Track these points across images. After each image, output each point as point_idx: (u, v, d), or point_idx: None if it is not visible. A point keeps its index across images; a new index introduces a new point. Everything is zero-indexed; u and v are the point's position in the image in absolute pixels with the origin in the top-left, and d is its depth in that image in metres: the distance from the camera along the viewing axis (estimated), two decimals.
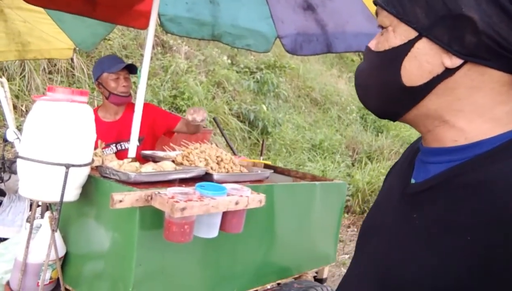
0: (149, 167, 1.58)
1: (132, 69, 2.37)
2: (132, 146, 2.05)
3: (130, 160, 2.03)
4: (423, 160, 0.64)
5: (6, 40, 3.17)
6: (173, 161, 1.78)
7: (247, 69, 8.38)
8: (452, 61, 0.54)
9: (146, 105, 2.26)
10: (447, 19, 0.53)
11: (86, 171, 1.51)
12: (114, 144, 2.40)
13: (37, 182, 1.41)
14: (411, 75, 0.57)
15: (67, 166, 1.39)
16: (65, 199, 1.44)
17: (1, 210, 2.03)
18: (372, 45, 0.63)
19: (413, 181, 0.65)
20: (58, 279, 1.68)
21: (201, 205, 1.32)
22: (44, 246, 1.53)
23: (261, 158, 3.03)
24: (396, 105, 0.62)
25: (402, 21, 0.57)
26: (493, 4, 0.51)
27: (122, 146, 2.41)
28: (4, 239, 1.94)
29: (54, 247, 1.52)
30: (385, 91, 0.61)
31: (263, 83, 8.05)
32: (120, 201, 1.30)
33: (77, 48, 3.43)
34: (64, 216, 1.74)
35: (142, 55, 4.76)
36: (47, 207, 1.70)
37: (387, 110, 0.64)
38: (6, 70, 5.24)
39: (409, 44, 0.56)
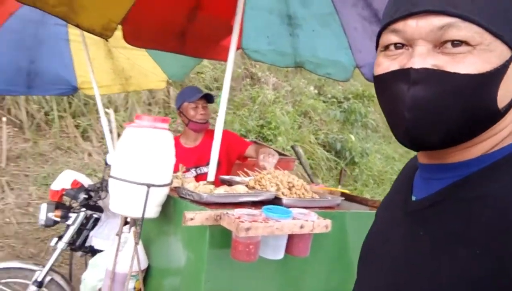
0: (221, 189, 1.68)
1: (209, 98, 2.58)
2: (211, 170, 2.19)
3: (206, 182, 2.18)
4: (424, 176, 0.63)
5: (113, 75, 3.63)
6: (246, 185, 1.88)
7: (334, 99, 8.39)
8: None
9: (224, 132, 2.41)
10: None
11: (166, 190, 1.65)
12: (193, 169, 2.59)
13: (123, 199, 1.59)
14: (503, 97, 0.54)
15: (148, 186, 1.55)
16: (146, 215, 1.60)
17: (99, 225, 2.28)
18: (433, 67, 0.54)
19: (413, 198, 0.64)
20: (140, 289, 1.84)
21: (265, 226, 1.38)
22: (129, 258, 1.70)
23: (339, 186, 3.01)
24: (474, 130, 0.56)
25: (502, 39, 0.52)
26: None
27: (202, 170, 2.59)
28: (101, 251, 2.16)
29: (137, 259, 1.68)
30: (473, 116, 0.54)
31: (350, 113, 7.99)
32: (191, 219, 1.41)
33: (170, 80, 3.78)
34: (147, 232, 1.92)
35: (232, 86, 5.03)
36: (134, 222, 1.89)
37: (453, 139, 0.57)
38: (113, 103, 5.88)
39: (507, 64, 0.53)
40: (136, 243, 1.62)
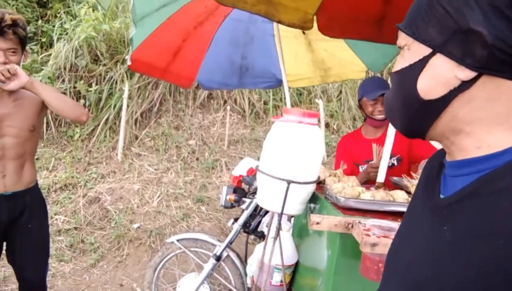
0: (368, 194, 1.50)
1: None
2: (381, 172, 1.98)
3: (377, 184, 1.99)
4: (450, 173, 0.64)
5: (313, 67, 3.70)
6: (409, 192, 1.63)
7: None
8: (465, 74, 0.55)
9: None
10: (458, 34, 0.55)
11: (309, 188, 1.59)
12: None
13: (266, 192, 1.60)
14: (428, 89, 0.59)
15: (288, 182, 1.52)
16: (287, 212, 1.58)
17: (270, 213, 2.37)
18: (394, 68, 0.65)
19: (441, 196, 0.64)
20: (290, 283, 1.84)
21: None
22: (277, 251, 1.71)
23: None
24: (419, 122, 0.63)
25: (417, 40, 0.59)
26: (502, 18, 0.52)
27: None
28: None
29: (280, 253, 1.67)
30: (407, 108, 0.63)
31: None
32: (317, 223, 1.32)
33: (369, 70, 3.59)
34: (300, 228, 1.90)
35: None
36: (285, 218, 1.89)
37: (413, 129, 0.66)
38: (325, 92, 6.03)
39: (424, 61, 0.59)
40: (274, 238, 1.62)
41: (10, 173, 1.90)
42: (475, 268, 0.52)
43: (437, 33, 0.57)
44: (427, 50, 0.58)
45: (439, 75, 0.58)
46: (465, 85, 0.56)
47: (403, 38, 0.62)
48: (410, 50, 0.61)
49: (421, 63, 0.59)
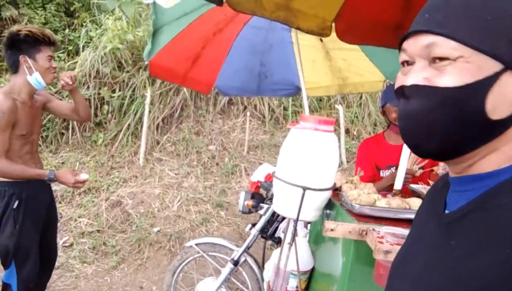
0: (383, 201, 1.51)
1: None
2: (398, 179, 1.98)
3: (394, 191, 1.99)
4: (455, 190, 0.64)
5: (331, 76, 3.69)
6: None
7: None
8: None
9: None
10: None
11: (325, 195, 1.60)
12: (394, 167, 2.38)
13: (282, 199, 1.63)
14: (497, 108, 0.55)
15: (304, 189, 1.54)
16: (303, 218, 1.60)
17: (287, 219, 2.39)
18: (423, 81, 0.58)
19: (447, 211, 0.65)
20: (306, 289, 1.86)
21: None
22: (293, 257, 1.73)
23: None
24: (471, 141, 0.58)
25: (486, 54, 0.53)
26: None
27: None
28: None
29: (296, 259, 1.69)
30: (462, 127, 0.56)
31: None
32: (332, 230, 1.34)
33: (387, 80, 3.57)
34: (317, 234, 1.91)
35: None
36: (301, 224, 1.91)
37: (453, 149, 0.59)
38: (345, 99, 6.01)
39: (495, 77, 0.54)
40: (290, 244, 1.64)
41: (38, 163, 2.34)
42: (482, 280, 0.52)
43: (506, 48, 0.53)
44: (498, 66, 0.54)
45: (509, 92, 0.54)
46: None
47: (453, 49, 0.55)
48: (471, 63, 0.54)
49: (492, 80, 0.54)
